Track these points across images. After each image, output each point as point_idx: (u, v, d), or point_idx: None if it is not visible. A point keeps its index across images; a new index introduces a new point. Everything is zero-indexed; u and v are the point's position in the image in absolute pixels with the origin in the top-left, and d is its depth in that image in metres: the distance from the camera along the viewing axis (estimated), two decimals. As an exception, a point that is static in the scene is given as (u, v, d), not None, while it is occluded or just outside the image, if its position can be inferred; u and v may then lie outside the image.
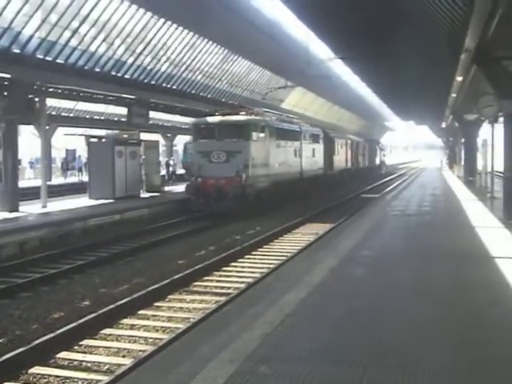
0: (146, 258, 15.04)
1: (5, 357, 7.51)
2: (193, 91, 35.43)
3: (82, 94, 27.74)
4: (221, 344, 5.64)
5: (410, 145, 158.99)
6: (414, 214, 17.61)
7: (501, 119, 18.48)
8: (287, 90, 44.94)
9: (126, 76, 28.47)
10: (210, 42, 32.94)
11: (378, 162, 63.95)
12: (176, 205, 24.64)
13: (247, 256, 14.97)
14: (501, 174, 19.67)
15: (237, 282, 12.25)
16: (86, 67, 25.18)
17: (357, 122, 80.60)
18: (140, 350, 8.06)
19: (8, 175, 20.63)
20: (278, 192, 25.84)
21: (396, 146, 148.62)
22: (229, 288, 11.69)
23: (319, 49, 41.20)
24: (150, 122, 34.38)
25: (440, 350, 5.49)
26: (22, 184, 23.62)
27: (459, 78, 19.88)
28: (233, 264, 13.99)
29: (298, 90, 49.60)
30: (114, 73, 27.45)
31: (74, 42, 23.99)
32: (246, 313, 6.78)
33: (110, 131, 39.30)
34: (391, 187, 35.78)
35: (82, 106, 38.30)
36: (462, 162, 38.77)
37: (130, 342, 8.58)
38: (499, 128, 19.12)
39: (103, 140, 26.96)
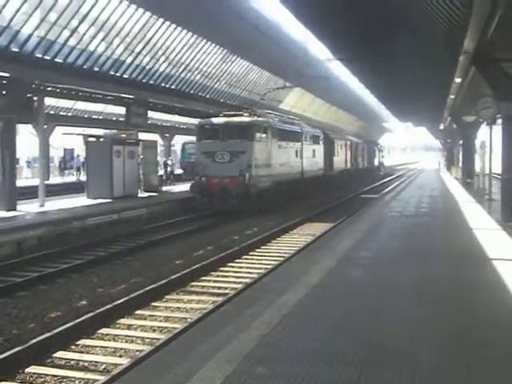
0: (144, 257, 15.03)
1: (1, 356, 7.49)
2: (191, 91, 35.44)
3: (80, 94, 27.73)
4: (218, 344, 5.63)
5: (408, 146, 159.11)
6: (412, 216, 17.62)
7: (499, 121, 18.49)
8: (286, 90, 44.98)
9: (125, 75, 28.47)
10: (209, 43, 32.96)
11: (376, 163, 64.18)
12: (174, 205, 24.64)
13: (245, 256, 14.97)
14: (499, 176, 19.68)
15: (234, 282, 12.24)
16: (84, 66, 25.18)
17: (355, 123, 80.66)
18: (137, 350, 8.05)
19: (6, 174, 20.61)
20: (279, 192, 26.23)
21: (394, 147, 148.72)
22: (226, 288, 11.69)
23: (318, 50, 41.23)
24: (149, 122, 34.40)
25: (437, 350, 5.49)
26: (19, 183, 23.57)
27: (458, 80, 19.91)
28: (230, 264, 13.99)
29: (297, 91, 49.63)
30: (112, 72, 27.45)
31: (72, 41, 23.99)
32: (244, 313, 6.78)
33: (108, 131, 39.33)
34: (389, 188, 35.84)
35: (81, 105, 38.35)
36: (460, 164, 38.78)
37: (127, 341, 8.57)
38: (497, 130, 19.13)
39: (101, 139, 26.94)
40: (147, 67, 29.97)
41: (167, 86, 32.68)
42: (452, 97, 25.54)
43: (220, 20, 28.15)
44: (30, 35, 21.43)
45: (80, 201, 23.34)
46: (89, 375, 7.25)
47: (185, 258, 14.71)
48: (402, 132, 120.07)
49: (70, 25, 23.35)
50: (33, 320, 9.56)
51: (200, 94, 36.61)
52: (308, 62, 36.57)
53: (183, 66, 32.88)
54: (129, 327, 9.23)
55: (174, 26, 28.96)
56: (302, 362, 5.20)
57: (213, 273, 13.05)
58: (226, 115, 25.18)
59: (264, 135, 25.10)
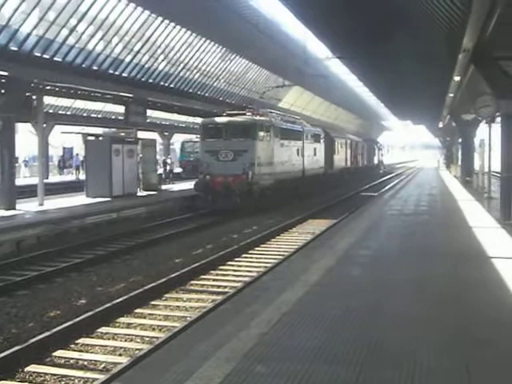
0: (143, 256, 15.03)
1: (1, 355, 7.49)
2: (190, 90, 35.42)
3: (79, 92, 27.74)
4: (217, 343, 5.63)
5: (408, 144, 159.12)
6: (412, 214, 17.62)
7: (498, 119, 18.49)
8: (285, 88, 44.96)
9: (124, 74, 28.47)
10: (208, 41, 32.95)
11: (376, 161, 64.36)
12: (173, 203, 24.63)
13: (244, 255, 14.98)
14: (498, 175, 19.69)
15: (234, 280, 12.24)
16: (83, 65, 25.15)
17: (354, 122, 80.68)
18: (136, 349, 8.06)
19: (5, 173, 20.60)
20: (281, 190, 26.62)
21: (393, 145, 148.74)
22: (225, 287, 11.69)
23: (317, 48, 41.29)
24: (148, 121, 34.40)
25: (436, 348, 5.50)
26: (17, 182, 23.51)
27: (457, 78, 19.90)
28: (229, 263, 13.99)
29: (296, 89, 49.63)
30: (111, 71, 27.44)
31: (71, 40, 23.98)
32: (243, 312, 6.77)
33: (107, 129, 39.40)
34: (389, 186, 35.88)
35: (80, 104, 38.29)
36: (459, 162, 38.78)
37: (126, 340, 8.57)
38: (496, 128, 19.14)
39: (100, 138, 26.92)
40: (146, 66, 29.96)
41: (166, 84, 32.66)
42: (451, 95, 25.53)
43: (219, 18, 28.16)
44: (29, 34, 21.42)
45: (79, 199, 23.33)
46: (88, 374, 7.25)
47: (184, 257, 14.72)
48: (401, 130, 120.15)
49: (69, 24, 23.33)
50: (32, 319, 9.55)
51: (199, 92, 36.60)
52: (307, 61, 36.58)
53: (182, 65, 32.87)
54: (128, 326, 9.23)
55: (172, 24, 28.95)
56: (301, 361, 5.19)
57: (212, 271, 13.04)
58: (229, 114, 25.58)
59: (266, 134, 25.41)
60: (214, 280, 12.37)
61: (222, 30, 30.41)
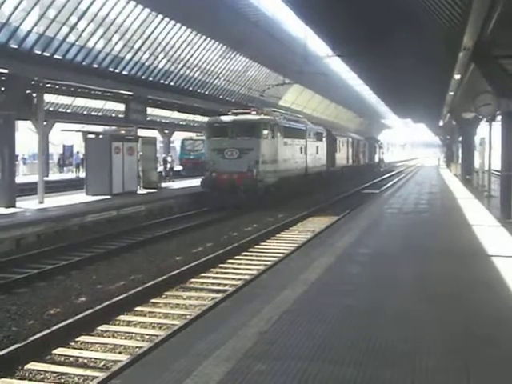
0: (143, 253, 15.03)
1: (1, 353, 7.50)
2: (190, 88, 35.43)
3: (79, 90, 27.71)
4: (217, 341, 5.64)
5: (408, 143, 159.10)
6: (412, 212, 17.62)
7: (498, 118, 18.49)
8: (285, 87, 44.96)
9: (124, 72, 28.47)
10: (208, 39, 32.94)
11: (377, 159, 64.60)
12: (173, 201, 24.65)
13: (244, 253, 14.98)
14: (498, 173, 19.69)
15: (234, 278, 12.25)
16: (83, 63, 25.17)
17: (354, 120, 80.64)
18: (136, 347, 8.06)
19: (5, 171, 20.61)
20: (285, 187, 27.21)
21: (393, 143, 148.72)
22: (225, 285, 11.70)
23: (317, 46, 41.30)
24: (148, 119, 34.39)
25: (436, 347, 5.50)
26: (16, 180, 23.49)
27: (457, 76, 19.88)
28: (230, 261, 14.00)
29: (296, 88, 49.61)
30: (111, 69, 27.44)
31: (71, 38, 23.99)
32: (243, 310, 6.78)
33: (107, 127, 39.41)
34: (389, 184, 35.98)
35: (80, 101, 38.27)
36: (460, 161, 38.77)
37: (126, 338, 8.58)
38: (497, 126, 19.13)
39: (101, 136, 26.91)
40: (146, 64, 29.97)
41: (166, 82, 32.69)
42: (451, 93, 25.51)
43: (219, 16, 28.17)
44: (29, 32, 21.43)
45: (79, 197, 23.34)
46: (88, 372, 7.26)
47: (184, 255, 14.72)
48: (401, 128, 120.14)
49: (69, 21, 23.36)
50: (32, 317, 9.56)
51: (199, 90, 36.62)
52: (307, 59, 36.54)
53: (182, 63, 32.88)
54: (128, 324, 9.24)
55: (173, 22, 28.96)
56: (301, 359, 5.20)
57: (212, 269, 13.05)
58: (234, 113, 26.12)
59: (271, 133, 25.89)
60: (214, 278, 12.37)
61: (222, 28, 30.42)
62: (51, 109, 36.46)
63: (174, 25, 29.30)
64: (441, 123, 50.11)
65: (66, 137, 46.43)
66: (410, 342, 5.67)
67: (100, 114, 41.92)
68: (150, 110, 35.61)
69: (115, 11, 25.39)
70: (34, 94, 21.88)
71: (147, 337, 8.55)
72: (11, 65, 20.36)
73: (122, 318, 9.46)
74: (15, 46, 21.05)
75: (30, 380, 7.11)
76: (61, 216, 18.20)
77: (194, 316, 8.97)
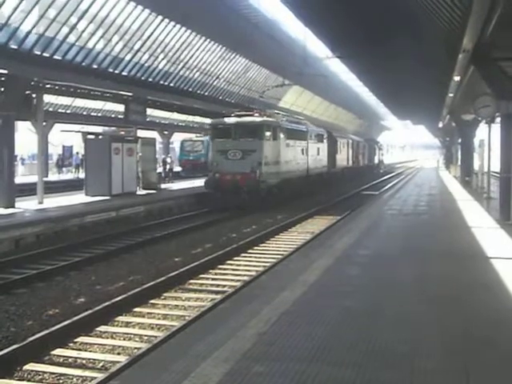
0: (143, 255, 15.03)
1: (-1, 353, 7.50)
2: (190, 89, 35.41)
3: (79, 91, 27.69)
4: (216, 342, 5.64)
5: (407, 144, 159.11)
6: (411, 214, 17.62)
7: (498, 119, 18.48)
8: (284, 88, 44.99)
9: (124, 73, 28.44)
10: (208, 40, 32.93)
11: (376, 160, 64.84)
12: (172, 202, 24.65)
13: (243, 254, 14.97)
14: (497, 175, 19.69)
15: (232, 280, 12.24)
16: (83, 63, 25.14)
17: (354, 121, 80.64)
18: (135, 348, 8.06)
19: (4, 171, 20.60)
20: (287, 188, 27.61)
21: (393, 145, 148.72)
22: (224, 286, 11.69)
23: (316, 47, 41.36)
24: (147, 120, 34.37)
25: (435, 348, 5.50)
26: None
27: (457, 78, 19.88)
28: (229, 262, 14.00)
29: (296, 89, 49.61)
30: (111, 69, 27.42)
31: (71, 38, 23.95)
32: (242, 311, 6.78)
33: (107, 128, 39.39)
34: (389, 186, 36.04)
35: (80, 102, 38.25)
36: (459, 162, 38.77)
37: (125, 339, 8.57)
38: (496, 128, 19.13)
39: (100, 137, 26.91)
40: (146, 65, 29.94)
41: (166, 83, 32.65)
42: (451, 95, 25.50)
43: (219, 17, 28.17)
44: (29, 32, 21.40)
45: (78, 198, 23.33)
46: (87, 373, 7.25)
47: (183, 256, 14.72)
48: (400, 130, 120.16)
49: (69, 22, 23.32)
50: (31, 317, 9.55)
51: (199, 91, 36.59)
52: (306, 60, 36.57)
53: (182, 64, 32.85)
54: (127, 325, 9.24)
55: (172, 23, 28.94)
56: (299, 361, 5.20)
57: (211, 270, 13.05)
58: (237, 115, 26.51)
59: (273, 134, 26.30)
60: (213, 279, 12.37)
61: (222, 29, 30.41)
62: (51, 109, 36.45)
63: (174, 26, 29.28)
64: (440, 125, 50.08)
65: (66, 137, 46.40)
66: (410, 344, 5.67)
67: (99, 114, 41.89)
68: (149, 111, 35.59)
69: (115, 12, 25.37)
70: (34, 95, 21.89)
71: (146, 338, 8.55)
72: (11, 65, 20.34)
73: (120, 318, 9.46)
74: (15, 47, 21.02)
75: (29, 381, 7.11)
76: (60, 216, 18.20)
77: (193, 317, 8.96)
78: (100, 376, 6.86)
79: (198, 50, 33.07)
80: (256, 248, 15.90)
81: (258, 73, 42.65)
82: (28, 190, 26.55)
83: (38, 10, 21.73)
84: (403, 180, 41.41)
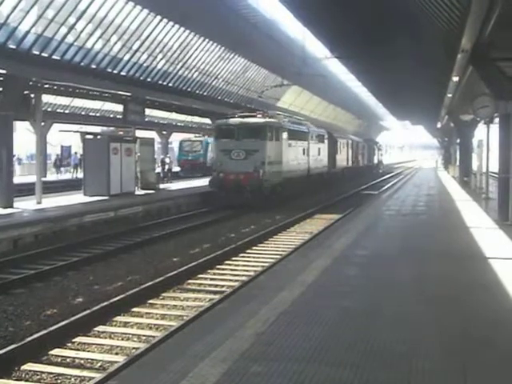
0: (141, 255, 15.02)
1: (-3, 353, 7.49)
2: (189, 89, 35.38)
3: (77, 91, 27.71)
4: (214, 342, 5.63)
5: (406, 144, 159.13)
6: (409, 214, 17.63)
7: (496, 120, 18.49)
8: (283, 88, 44.96)
9: (122, 73, 28.41)
10: (207, 40, 32.91)
11: (375, 161, 65.04)
12: (171, 202, 24.64)
13: (241, 254, 14.97)
14: (496, 175, 19.70)
15: (231, 280, 12.24)
16: (82, 64, 25.10)
17: (353, 122, 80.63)
18: (133, 348, 8.05)
19: (3, 171, 20.58)
20: (288, 187, 27.98)
21: (392, 145, 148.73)
22: (223, 286, 11.69)
23: (315, 47, 41.29)
24: (146, 120, 34.34)
25: (434, 348, 5.50)
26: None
27: (455, 79, 19.89)
28: (227, 262, 13.99)
29: (294, 89, 49.59)
30: (110, 70, 27.38)
31: (70, 39, 23.91)
32: (240, 311, 6.78)
33: (105, 128, 39.34)
34: (387, 186, 36.13)
35: (78, 102, 38.22)
36: (458, 163, 38.80)
37: (123, 339, 8.57)
38: (495, 128, 19.14)
39: (99, 137, 26.88)
40: (145, 65, 29.91)
41: (165, 83, 32.61)
42: (449, 95, 25.51)
43: (218, 17, 28.15)
44: (28, 32, 21.37)
45: (77, 198, 23.31)
46: (85, 373, 7.25)
47: (182, 256, 14.71)
48: (399, 130, 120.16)
49: (68, 22, 23.28)
50: (29, 317, 9.55)
51: (197, 91, 36.55)
52: (305, 60, 36.55)
53: (181, 64, 32.82)
54: (125, 325, 9.23)
55: (171, 23, 28.91)
56: (297, 361, 5.20)
57: (210, 270, 13.04)
58: (241, 116, 27.13)
59: (276, 135, 26.87)
60: (211, 279, 12.37)
61: (221, 29, 30.40)
62: (49, 109, 36.37)
63: (173, 26, 29.25)
64: (439, 125, 50.10)
65: (64, 137, 46.35)
66: (408, 344, 5.67)
67: (98, 114, 41.84)
68: (148, 111, 35.59)
69: (113, 12, 25.34)
70: (32, 95, 21.88)
71: (144, 338, 8.55)
72: (9, 65, 20.31)
73: (118, 318, 9.45)
74: (13, 47, 20.99)
75: (27, 381, 7.10)
76: (58, 216, 18.19)
77: (191, 317, 8.96)
78: (98, 376, 6.86)
79: (196, 49, 33.04)
80: (254, 248, 15.90)
81: (256, 73, 42.63)
82: (26, 190, 26.53)
83: (36, 10, 21.70)
84: (402, 180, 41.45)
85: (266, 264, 13.31)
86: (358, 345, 5.62)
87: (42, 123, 28.06)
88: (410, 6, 16.44)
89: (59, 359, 7.72)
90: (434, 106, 37.55)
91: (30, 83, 21.89)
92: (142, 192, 27.10)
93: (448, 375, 4.92)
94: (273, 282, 8.56)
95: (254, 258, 14.67)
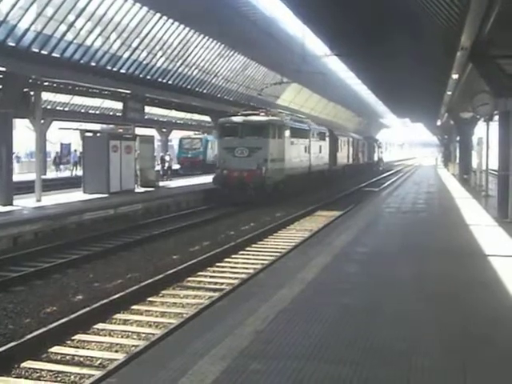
0: (141, 252, 15.02)
1: (-3, 351, 7.49)
2: (188, 86, 35.36)
3: (77, 88, 27.67)
4: (213, 340, 5.63)
5: (406, 142, 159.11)
6: (409, 211, 17.62)
7: (496, 117, 18.48)
8: (283, 86, 44.96)
9: (122, 70, 28.39)
10: (206, 38, 32.89)
11: (376, 158, 65.14)
12: (171, 200, 24.63)
13: (241, 252, 14.98)
14: (495, 173, 19.70)
15: (230, 277, 12.24)
16: (81, 61, 25.10)
17: (352, 119, 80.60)
18: (133, 345, 8.05)
19: (2, 169, 20.57)
20: (290, 184, 28.34)
21: (392, 143, 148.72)
22: (222, 284, 11.69)
23: (315, 45, 41.24)
24: (146, 117, 34.33)
25: (433, 345, 5.50)
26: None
27: (455, 76, 19.88)
28: (227, 259, 13.99)
29: (294, 87, 49.57)
30: (109, 67, 27.37)
31: (69, 36, 23.90)
32: (240, 309, 6.77)
33: (105, 126, 39.34)
34: (387, 183, 36.22)
35: (78, 100, 38.22)
36: (457, 160, 38.79)
37: (122, 336, 8.57)
38: (494, 126, 19.13)
39: (98, 134, 26.87)
40: (144, 62, 29.90)
41: (164, 81, 32.61)
42: (449, 93, 25.50)
43: (217, 15, 28.10)
44: (27, 30, 21.36)
45: (76, 196, 23.30)
46: (84, 370, 7.25)
47: (181, 253, 14.71)
48: (399, 128, 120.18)
49: (67, 19, 23.26)
50: (28, 315, 9.55)
51: (197, 89, 36.54)
52: (305, 58, 36.50)
53: (180, 61, 32.80)
54: (125, 322, 9.23)
55: (171, 21, 28.89)
56: (297, 359, 5.19)
57: (209, 268, 13.04)
58: (244, 114, 27.57)
59: (278, 133, 27.29)
60: (210, 277, 12.37)
61: (221, 27, 30.34)
62: (49, 107, 36.35)
63: (172, 23, 29.23)
64: (439, 123, 50.09)
65: (64, 135, 46.33)
66: (408, 342, 5.66)
67: (98, 112, 41.80)
68: (147, 109, 35.54)
69: (113, 9, 25.32)
70: (32, 92, 21.86)
71: (144, 335, 8.55)
72: (9, 63, 20.29)
73: (118, 316, 9.45)
74: (13, 44, 20.97)
75: (26, 378, 7.10)
76: (58, 214, 18.18)
77: (191, 315, 8.96)
78: (97, 373, 6.86)
79: (196, 47, 33.03)
80: (254, 245, 15.91)
81: (256, 70, 42.61)
82: (25, 187, 26.52)
83: (36, 8, 21.68)
84: (402, 177, 41.47)
85: (266, 262, 13.31)
86: (358, 342, 5.62)
87: (42, 121, 28.03)
88: (410, 4, 16.41)
89: (59, 357, 7.72)
90: (433, 104, 37.51)
91: (30, 81, 21.88)
92: (142, 190, 27.10)
93: (448, 373, 4.91)
94: (272, 279, 8.56)
95: (253, 255, 14.67)
